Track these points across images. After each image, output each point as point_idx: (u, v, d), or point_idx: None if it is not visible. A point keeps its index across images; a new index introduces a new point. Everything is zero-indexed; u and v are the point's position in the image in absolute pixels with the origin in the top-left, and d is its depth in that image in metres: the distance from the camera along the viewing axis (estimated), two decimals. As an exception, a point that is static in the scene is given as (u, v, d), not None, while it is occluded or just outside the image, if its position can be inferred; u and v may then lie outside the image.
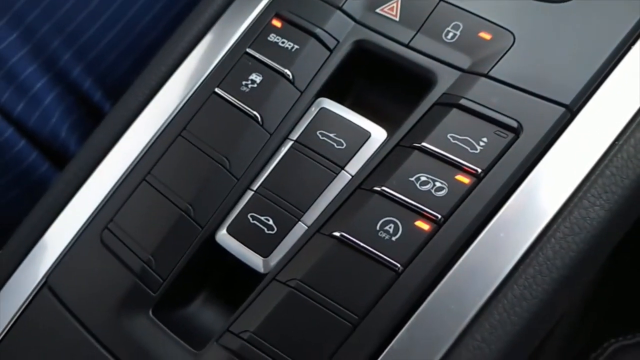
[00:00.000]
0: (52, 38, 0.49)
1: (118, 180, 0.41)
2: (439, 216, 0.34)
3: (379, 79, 0.42)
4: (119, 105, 0.43)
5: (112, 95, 0.52)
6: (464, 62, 0.39)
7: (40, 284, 0.40)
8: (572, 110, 0.36)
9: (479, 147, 0.36)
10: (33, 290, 0.40)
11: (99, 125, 0.45)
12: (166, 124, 0.41)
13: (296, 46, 0.41)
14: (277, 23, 0.43)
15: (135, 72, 0.48)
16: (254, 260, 0.37)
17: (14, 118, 0.48)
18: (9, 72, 0.48)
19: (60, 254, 0.40)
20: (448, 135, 0.36)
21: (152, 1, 0.51)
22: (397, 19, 0.41)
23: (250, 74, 0.41)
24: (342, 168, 0.38)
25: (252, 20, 0.44)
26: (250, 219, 0.37)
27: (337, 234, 0.35)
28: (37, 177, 0.49)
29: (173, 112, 0.42)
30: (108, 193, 0.40)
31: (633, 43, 0.37)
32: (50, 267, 0.40)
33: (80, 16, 0.49)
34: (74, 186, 0.42)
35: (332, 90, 0.41)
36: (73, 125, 0.50)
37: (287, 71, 0.41)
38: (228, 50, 0.43)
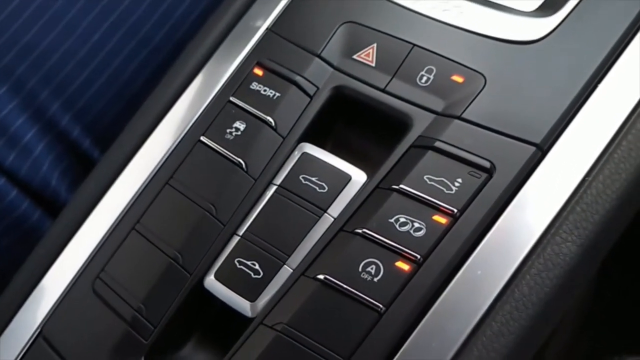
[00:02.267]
0: (41, 89, 0.50)
1: (108, 230, 0.42)
2: (418, 256, 0.36)
3: (358, 122, 0.43)
4: (107, 156, 0.45)
5: (100, 142, 0.53)
6: (438, 105, 0.40)
7: (35, 334, 0.41)
8: (542, 149, 0.38)
9: (454, 188, 0.37)
10: (28, 341, 0.41)
11: (88, 174, 0.46)
12: (154, 172, 0.43)
13: (277, 94, 0.43)
14: (258, 71, 0.44)
15: (122, 119, 0.49)
16: (242, 304, 0.38)
17: (6, 169, 0.49)
18: (0, 123, 0.49)
19: (54, 304, 0.41)
20: (424, 177, 0.38)
21: (137, 50, 0.53)
22: (373, 64, 0.43)
23: (234, 121, 0.43)
24: (325, 211, 0.39)
25: (235, 69, 0.45)
26: (237, 264, 0.39)
27: (320, 276, 0.36)
28: (29, 226, 0.50)
29: (160, 161, 0.43)
30: (99, 243, 0.42)
31: (599, 81, 0.39)
32: (45, 317, 0.41)
33: (68, 67, 0.51)
34: (65, 237, 0.43)
35: (313, 134, 0.42)
36: (63, 173, 0.52)
37: (270, 118, 0.42)
38: (212, 99, 0.45)
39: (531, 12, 0.43)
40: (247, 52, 0.46)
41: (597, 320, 0.58)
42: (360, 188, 0.39)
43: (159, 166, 0.43)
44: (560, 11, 0.41)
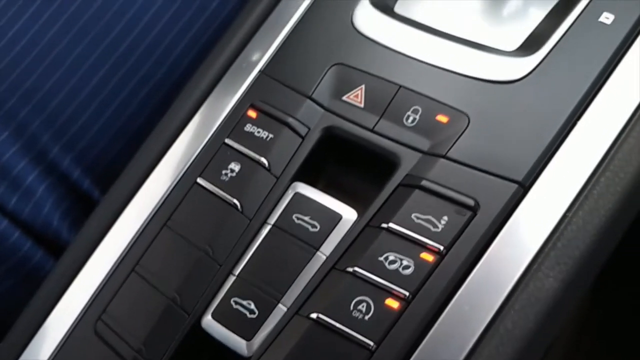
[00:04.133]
0: (43, 133, 0.52)
1: (109, 272, 0.43)
2: (407, 294, 0.37)
3: (348, 161, 0.45)
4: (107, 199, 0.46)
5: (100, 182, 0.55)
6: (424, 144, 0.42)
7: (39, 375, 0.43)
8: (524, 186, 0.39)
9: (440, 226, 0.39)
10: (33, 382, 0.42)
11: (89, 213, 0.48)
12: (152, 214, 0.44)
13: (271, 135, 0.45)
14: (252, 114, 0.46)
15: (121, 159, 0.51)
16: (238, 343, 0.39)
17: (9, 211, 0.51)
18: (2, 168, 0.51)
19: (57, 346, 0.42)
20: (412, 215, 0.39)
21: (137, 89, 0.55)
22: (362, 105, 0.44)
23: (229, 163, 0.44)
24: (317, 249, 0.40)
25: (229, 111, 0.47)
26: (233, 303, 0.40)
27: (313, 315, 0.38)
28: (31, 266, 0.52)
29: (159, 202, 0.45)
30: (100, 284, 0.43)
31: (579, 118, 0.41)
32: (49, 358, 0.42)
33: (69, 110, 0.53)
34: (67, 279, 0.44)
35: (305, 174, 0.44)
36: (64, 213, 0.53)
37: (263, 159, 0.44)
38: (208, 141, 0.46)
39: (512, 51, 0.44)
40: (241, 95, 0.47)
41: (592, 332, 0.60)
42: (351, 226, 0.41)
43: (157, 208, 0.44)
44: (539, 51, 0.43)
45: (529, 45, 0.44)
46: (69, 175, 0.53)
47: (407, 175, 0.41)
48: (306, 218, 0.42)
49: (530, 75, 0.42)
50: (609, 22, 0.43)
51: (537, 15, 0.47)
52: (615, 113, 0.41)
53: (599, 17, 0.43)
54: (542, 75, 0.42)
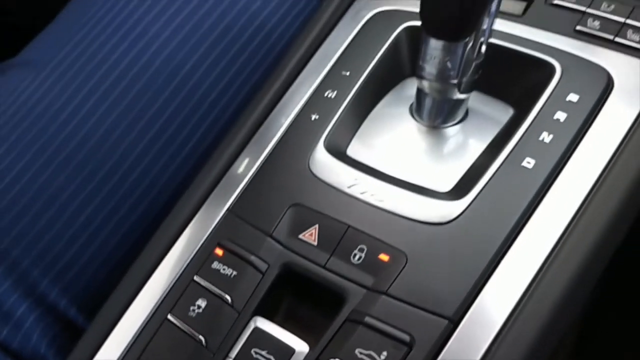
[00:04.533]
0: (33, 269, 0.58)
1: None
2: None
3: (303, 294, 0.50)
4: (88, 333, 0.51)
5: (85, 309, 0.60)
6: (368, 281, 0.47)
7: None
8: (454, 322, 0.44)
9: (380, 360, 0.44)
10: None
11: (74, 339, 0.52)
12: (127, 350, 0.49)
13: (235, 272, 0.50)
14: (219, 252, 0.51)
15: (105, 288, 0.56)
16: None
17: (0, 341, 0.56)
18: (-5, 303, 0.56)
19: None
20: (356, 351, 0.44)
21: (119, 225, 0.61)
22: (315, 243, 0.50)
23: (196, 299, 0.50)
24: (272, 385, 0.45)
25: (199, 248, 0.52)
26: None
27: None
28: (20, 393, 0.56)
29: (133, 338, 0.49)
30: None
31: (502, 257, 0.46)
32: None
33: (57, 247, 0.59)
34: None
35: (265, 307, 0.49)
36: (51, 341, 0.58)
37: (227, 296, 0.49)
38: (178, 277, 0.52)
39: (445, 193, 0.50)
40: (211, 231, 0.53)
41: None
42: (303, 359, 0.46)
43: (131, 344, 0.49)
44: (467, 195, 0.48)
45: (460, 189, 0.50)
46: (56, 306, 0.58)
47: (353, 310, 0.46)
48: (263, 352, 0.46)
49: (459, 218, 0.48)
50: (530, 166, 0.49)
51: (476, 149, 0.53)
52: (535, 251, 0.46)
53: (522, 162, 0.49)
54: (470, 218, 0.48)
